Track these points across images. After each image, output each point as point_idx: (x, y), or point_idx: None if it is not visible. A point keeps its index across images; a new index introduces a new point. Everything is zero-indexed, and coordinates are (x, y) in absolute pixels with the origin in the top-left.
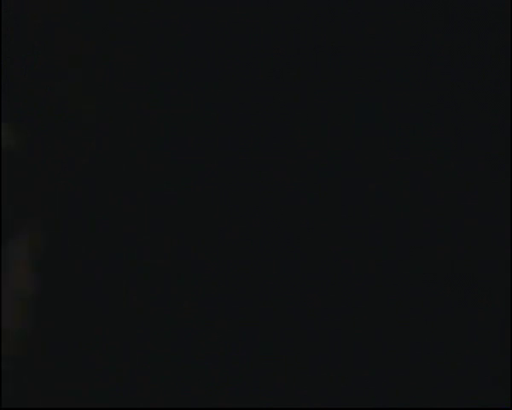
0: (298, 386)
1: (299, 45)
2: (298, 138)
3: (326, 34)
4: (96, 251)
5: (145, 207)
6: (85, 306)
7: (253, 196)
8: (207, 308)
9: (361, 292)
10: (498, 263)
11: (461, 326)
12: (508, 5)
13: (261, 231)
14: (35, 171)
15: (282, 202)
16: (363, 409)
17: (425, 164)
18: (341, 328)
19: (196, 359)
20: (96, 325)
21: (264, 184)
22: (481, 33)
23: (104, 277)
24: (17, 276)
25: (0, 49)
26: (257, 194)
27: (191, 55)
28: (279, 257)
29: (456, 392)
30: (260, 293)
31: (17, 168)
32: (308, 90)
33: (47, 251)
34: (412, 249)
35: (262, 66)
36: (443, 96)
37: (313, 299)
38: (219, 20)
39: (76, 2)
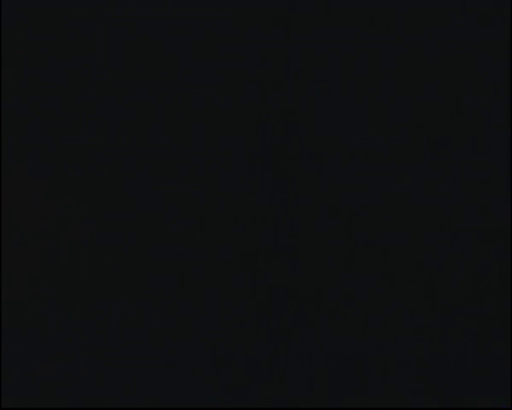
0: (297, 386)
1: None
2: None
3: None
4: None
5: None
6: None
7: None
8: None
9: (360, 292)
10: (498, 263)
11: (461, 326)
12: (508, 5)
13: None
14: None
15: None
16: (363, 409)
17: (425, 164)
18: (341, 328)
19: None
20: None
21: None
22: (481, 33)
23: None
24: None
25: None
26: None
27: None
28: (278, 256)
29: (457, 392)
30: (260, 293)
31: None
32: (308, 91)
33: None
34: (412, 249)
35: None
36: (443, 97)
37: (313, 299)
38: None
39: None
